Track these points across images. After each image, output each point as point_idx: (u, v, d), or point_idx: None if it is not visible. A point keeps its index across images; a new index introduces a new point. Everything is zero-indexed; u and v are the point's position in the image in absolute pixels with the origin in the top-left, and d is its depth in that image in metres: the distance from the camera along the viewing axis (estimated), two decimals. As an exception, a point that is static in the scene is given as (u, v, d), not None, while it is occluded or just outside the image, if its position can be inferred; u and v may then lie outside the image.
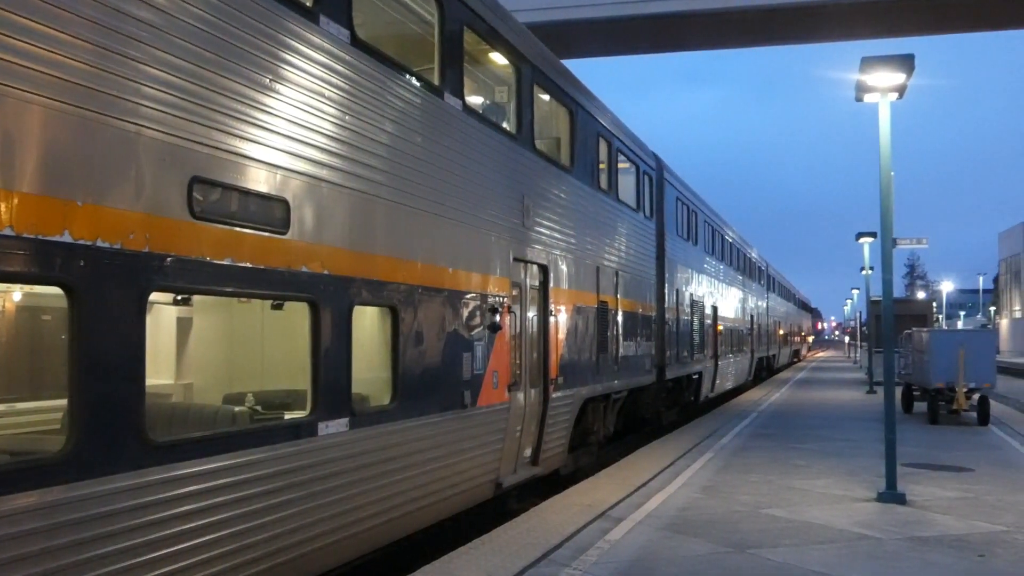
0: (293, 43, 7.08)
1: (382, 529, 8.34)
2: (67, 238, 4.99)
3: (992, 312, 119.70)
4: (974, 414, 21.73)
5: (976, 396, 21.81)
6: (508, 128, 11.70)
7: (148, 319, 5.64)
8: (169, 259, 5.73)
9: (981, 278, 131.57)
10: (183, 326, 8.96)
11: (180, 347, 8.95)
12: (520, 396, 11.59)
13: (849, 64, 12.12)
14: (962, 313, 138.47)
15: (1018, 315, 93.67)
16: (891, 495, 11.70)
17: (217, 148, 6.19)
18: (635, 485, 12.75)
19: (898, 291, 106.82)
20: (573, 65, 16.44)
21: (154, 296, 5.76)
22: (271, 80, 6.80)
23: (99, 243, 5.19)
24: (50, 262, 4.93)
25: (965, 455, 16.17)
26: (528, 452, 12.12)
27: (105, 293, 5.24)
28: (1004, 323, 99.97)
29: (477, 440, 10.21)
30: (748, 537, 9.67)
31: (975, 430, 20.58)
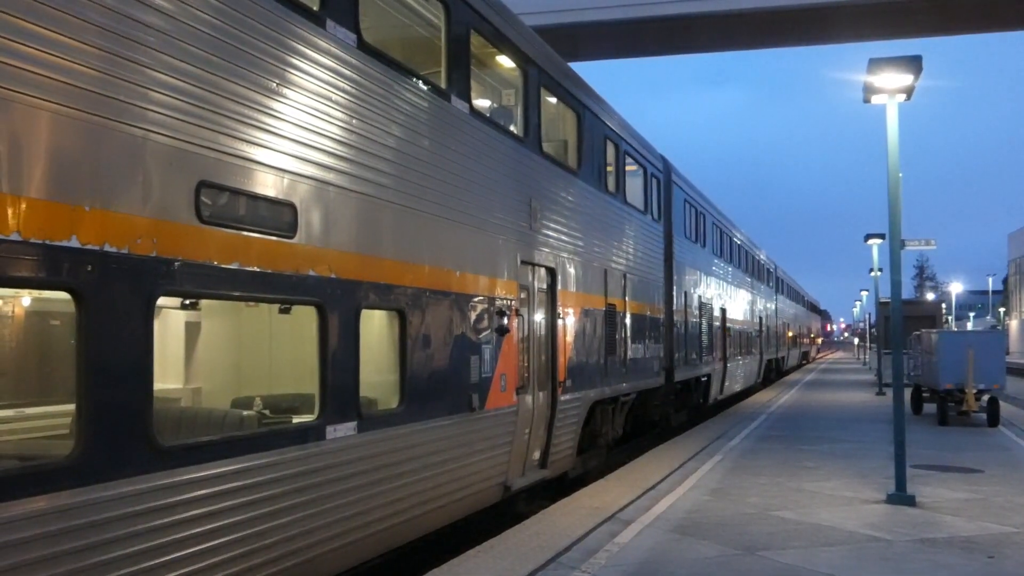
0: (300, 47, 7.09)
1: (391, 532, 8.34)
2: (74, 243, 5.00)
3: (1001, 313, 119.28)
4: (983, 415, 21.68)
5: (985, 397, 21.75)
6: (515, 131, 11.70)
7: (156, 323, 5.65)
8: (177, 263, 5.74)
9: (990, 279, 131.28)
10: (191, 330, 8.98)
11: (188, 351, 8.97)
12: (528, 399, 11.58)
13: (863, 66, 12.08)
14: (971, 314, 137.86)
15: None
16: (900, 497, 11.67)
17: (224, 152, 6.20)
18: (644, 488, 12.73)
19: (907, 292, 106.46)
20: (586, 67, 16.44)
21: (162, 300, 5.77)
22: (278, 84, 6.81)
23: (107, 248, 5.20)
24: (58, 267, 4.94)
25: (974, 456, 16.12)
26: (536, 455, 12.11)
27: (113, 298, 5.25)
28: (1013, 324, 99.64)
29: (485, 443, 10.20)
30: (757, 539, 9.65)
31: (984, 431, 20.52)
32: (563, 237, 12.96)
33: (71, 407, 5.20)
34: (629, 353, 16.42)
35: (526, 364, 11.64)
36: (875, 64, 11.81)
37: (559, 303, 12.62)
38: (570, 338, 13.08)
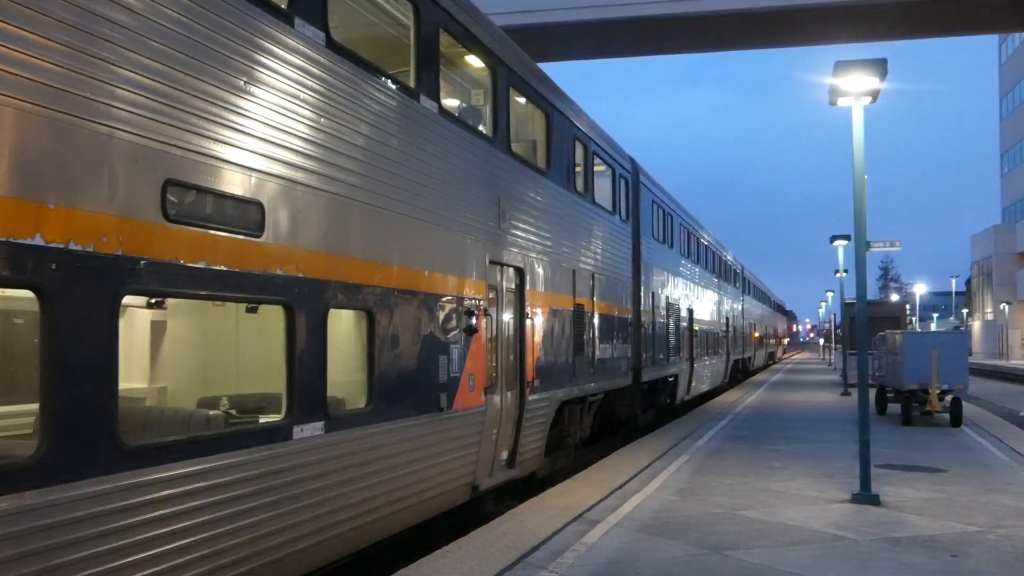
0: (268, 45, 7.05)
1: (358, 532, 8.31)
2: (39, 241, 4.94)
3: (964, 314, 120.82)
4: (947, 415, 21.94)
5: (949, 397, 22.01)
6: (484, 131, 11.70)
7: (121, 322, 5.60)
8: (142, 262, 5.69)
9: (954, 281, 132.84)
10: (157, 329, 8.89)
11: (154, 351, 8.88)
12: (496, 399, 11.59)
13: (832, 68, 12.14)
14: (935, 315, 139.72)
15: (990, 317, 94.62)
16: (865, 496, 11.79)
17: (191, 150, 6.15)
18: (611, 487, 12.77)
19: (872, 293, 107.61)
20: (559, 67, 16.45)
21: (127, 299, 5.72)
22: (245, 82, 6.76)
23: (71, 246, 5.15)
24: (21, 265, 4.88)
25: (938, 456, 16.31)
26: (505, 455, 12.12)
27: (77, 296, 5.20)
28: (976, 325, 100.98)
29: (453, 443, 10.19)
30: (724, 539, 9.71)
31: (948, 431, 20.76)
32: (532, 237, 12.98)
33: (35, 407, 5.14)
34: (597, 353, 16.47)
35: (494, 364, 11.64)
36: (841, 67, 11.93)
37: (527, 303, 12.64)
38: (538, 338, 13.11)
